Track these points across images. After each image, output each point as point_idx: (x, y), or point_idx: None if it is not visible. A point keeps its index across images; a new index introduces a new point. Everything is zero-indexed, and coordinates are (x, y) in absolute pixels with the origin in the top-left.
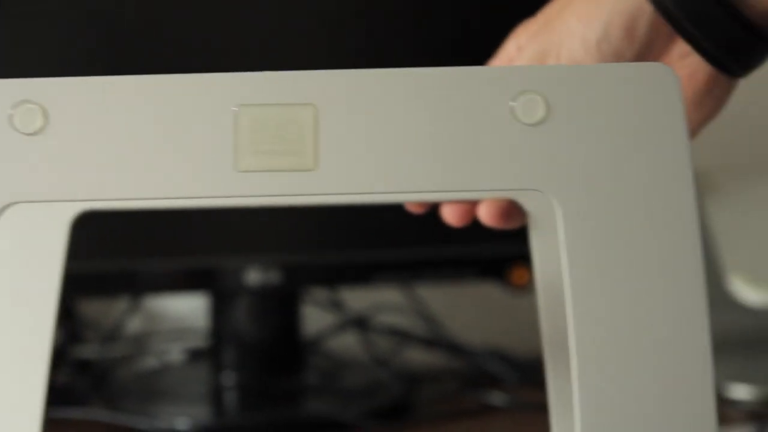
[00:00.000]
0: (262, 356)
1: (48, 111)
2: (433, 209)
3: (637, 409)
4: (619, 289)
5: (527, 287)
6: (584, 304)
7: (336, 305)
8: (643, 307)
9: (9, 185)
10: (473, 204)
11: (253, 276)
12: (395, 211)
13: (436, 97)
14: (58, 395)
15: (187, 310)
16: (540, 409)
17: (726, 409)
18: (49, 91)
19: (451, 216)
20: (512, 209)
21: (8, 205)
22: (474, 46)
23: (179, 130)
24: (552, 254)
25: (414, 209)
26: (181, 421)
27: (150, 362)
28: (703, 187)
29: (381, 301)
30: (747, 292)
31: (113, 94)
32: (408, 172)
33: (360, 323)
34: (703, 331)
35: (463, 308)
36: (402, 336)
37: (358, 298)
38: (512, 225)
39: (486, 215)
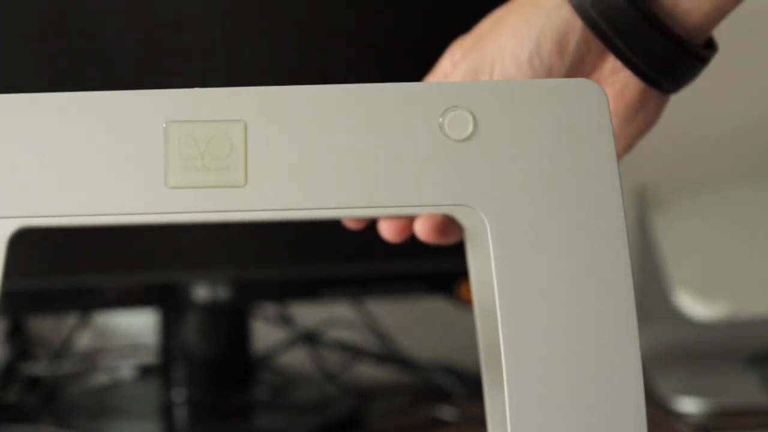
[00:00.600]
0: (213, 372)
1: None
2: (372, 225)
3: (567, 421)
4: (547, 304)
5: None
6: (512, 318)
7: (286, 321)
8: (571, 321)
9: None
10: (409, 220)
11: (203, 292)
12: (343, 226)
13: (366, 113)
14: (7, 412)
15: (137, 326)
16: None
17: (673, 422)
18: None
19: (388, 232)
20: (448, 224)
21: None
22: (414, 61)
23: (110, 147)
24: (486, 268)
25: (351, 225)
26: None
27: (100, 379)
28: (650, 202)
29: (332, 316)
30: (694, 306)
31: (43, 111)
32: (338, 188)
33: (310, 339)
34: (632, 344)
35: (413, 323)
36: (353, 351)
37: (308, 314)
38: (449, 240)
39: (422, 231)
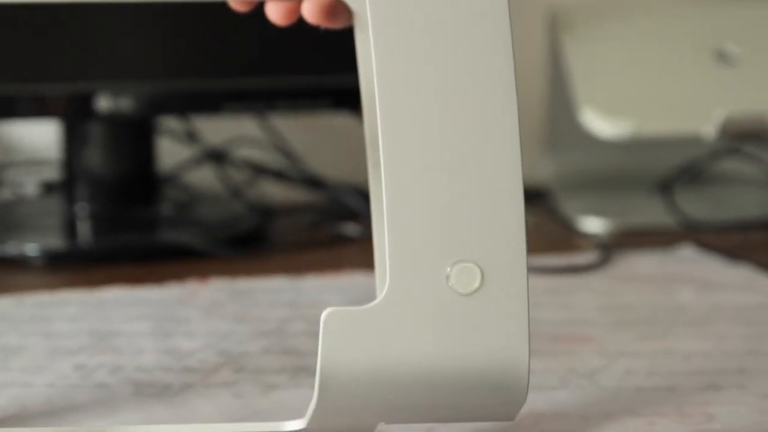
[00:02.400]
0: (118, 188)
1: None
2: (259, 8)
3: (443, 214)
4: (426, 89)
5: None
6: (390, 101)
7: (192, 137)
8: (451, 108)
9: None
10: (297, 1)
11: (105, 103)
12: (251, 39)
13: None
14: None
15: (41, 142)
16: None
17: (577, 239)
18: None
19: (274, 14)
20: (337, 7)
21: None
22: None
23: None
24: (370, 54)
25: (237, 6)
26: (31, 248)
27: (3, 194)
28: (561, 26)
29: (240, 134)
30: (598, 124)
31: None
32: None
33: (217, 157)
34: (512, 142)
35: (324, 145)
36: (259, 169)
37: (215, 132)
38: (338, 25)
39: (309, 12)
